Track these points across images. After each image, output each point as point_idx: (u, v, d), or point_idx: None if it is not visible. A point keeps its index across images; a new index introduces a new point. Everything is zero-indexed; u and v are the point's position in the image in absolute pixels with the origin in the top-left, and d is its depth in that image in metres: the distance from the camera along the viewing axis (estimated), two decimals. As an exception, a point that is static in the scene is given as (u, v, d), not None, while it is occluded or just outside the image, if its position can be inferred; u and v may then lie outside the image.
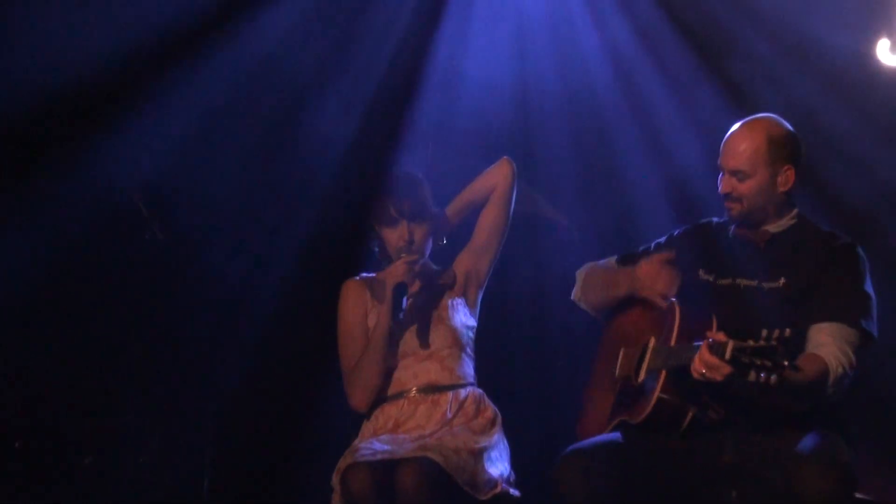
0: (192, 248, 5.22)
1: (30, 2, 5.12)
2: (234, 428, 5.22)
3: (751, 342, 3.50)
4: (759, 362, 3.48)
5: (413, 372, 4.31)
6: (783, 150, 3.96)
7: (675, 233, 4.26)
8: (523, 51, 5.51)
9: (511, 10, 5.51)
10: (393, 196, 4.35)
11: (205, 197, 5.34)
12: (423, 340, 4.33)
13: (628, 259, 4.25)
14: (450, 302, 4.41)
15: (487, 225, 4.47)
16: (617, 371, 4.10)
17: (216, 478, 4.90)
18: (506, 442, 4.29)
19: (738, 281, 4.00)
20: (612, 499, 3.77)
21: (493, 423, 4.29)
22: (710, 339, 3.59)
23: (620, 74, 5.45)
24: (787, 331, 3.47)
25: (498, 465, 4.18)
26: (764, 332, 3.48)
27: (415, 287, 4.33)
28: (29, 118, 5.05)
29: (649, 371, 3.91)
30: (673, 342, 3.85)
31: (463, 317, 4.40)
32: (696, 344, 3.66)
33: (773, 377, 3.46)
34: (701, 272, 4.05)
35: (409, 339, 4.34)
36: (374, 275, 4.48)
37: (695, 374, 3.63)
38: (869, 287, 3.93)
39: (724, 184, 4.00)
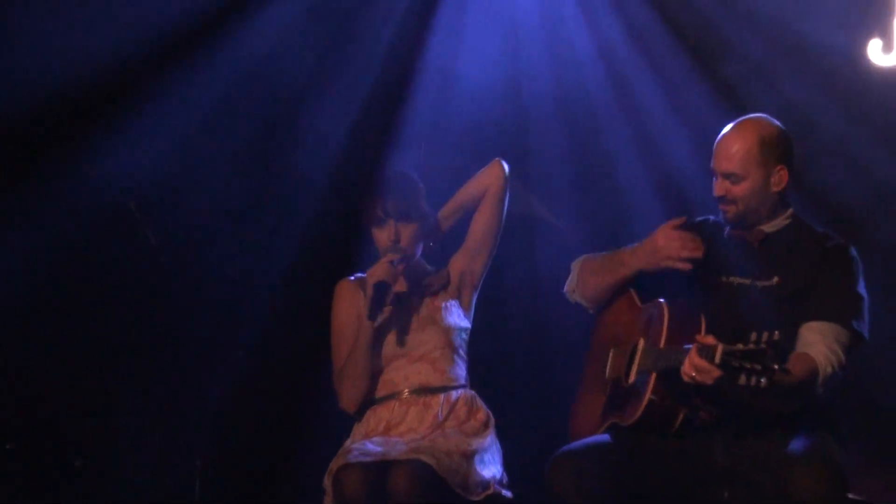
0: (190, 249, 5.22)
1: (30, 2, 5.13)
2: (230, 428, 5.22)
3: (740, 346, 3.50)
4: (748, 366, 3.47)
5: (404, 374, 4.30)
6: (775, 150, 3.95)
7: (673, 229, 4.26)
8: (516, 51, 5.50)
9: (504, 10, 5.50)
10: (381, 196, 4.32)
11: (202, 197, 5.35)
12: (402, 341, 4.30)
13: None
14: (443, 304, 4.39)
15: (481, 227, 4.44)
16: (607, 372, 4.10)
17: (211, 478, 4.90)
18: (499, 444, 4.28)
19: (732, 279, 3.99)
20: (605, 500, 3.78)
21: (485, 425, 4.29)
22: (700, 343, 3.59)
23: (613, 74, 5.43)
24: (777, 333, 3.47)
25: (490, 468, 4.18)
26: (753, 336, 3.48)
27: (401, 287, 4.31)
28: (28, 118, 5.06)
29: (639, 372, 3.91)
30: (662, 343, 3.84)
31: (456, 318, 4.39)
32: (685, 347, 3.66)
33: (763, 380, 3.45)
34: (695, 268, 4.03)
35: (398, 340, 4.32)
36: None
37: (685, 378, 3.63)
38: (862, 288, 3.93)
39: (717, 187, 3.98)
